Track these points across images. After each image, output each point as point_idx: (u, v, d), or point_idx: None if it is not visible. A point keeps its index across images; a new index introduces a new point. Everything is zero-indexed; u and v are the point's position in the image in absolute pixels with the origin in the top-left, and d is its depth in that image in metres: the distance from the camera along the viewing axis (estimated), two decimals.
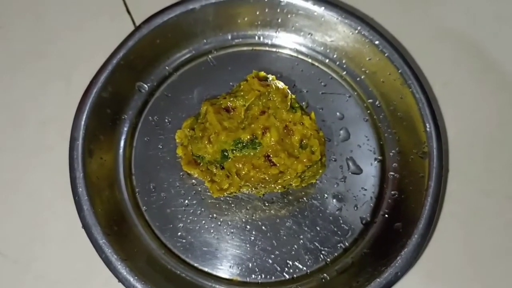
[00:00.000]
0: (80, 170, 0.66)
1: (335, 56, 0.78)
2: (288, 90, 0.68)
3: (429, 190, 0.67)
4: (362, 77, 0.77)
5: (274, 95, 0.66)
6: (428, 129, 0.69)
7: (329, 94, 0.77)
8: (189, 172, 0.70)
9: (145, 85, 0.75)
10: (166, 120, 0.75)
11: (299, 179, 0.66)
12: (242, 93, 0.67)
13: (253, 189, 0.67)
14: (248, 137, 0.64)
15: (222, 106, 0.67)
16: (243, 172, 0.64)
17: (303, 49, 0.79)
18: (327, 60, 0.78)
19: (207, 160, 0.67)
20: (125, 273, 0.62)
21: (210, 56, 0.78)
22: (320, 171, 0.69)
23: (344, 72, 0.77)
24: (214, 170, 0.67)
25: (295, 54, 0.79)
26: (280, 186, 0.67)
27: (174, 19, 0.74)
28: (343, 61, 0.77)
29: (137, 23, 0.77)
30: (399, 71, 0.72)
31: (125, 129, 0.74)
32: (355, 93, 0.77)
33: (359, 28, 0.74)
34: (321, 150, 0.65)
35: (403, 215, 0.68)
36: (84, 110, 0.68)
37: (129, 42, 0.73)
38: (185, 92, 0.76)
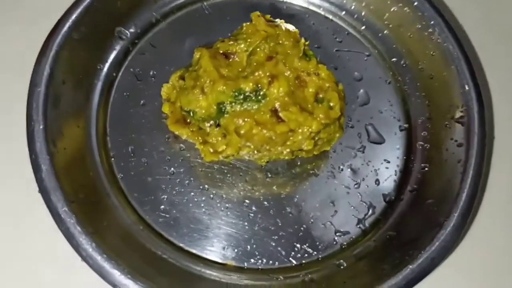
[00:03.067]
0: (40, 121, 0.53)
1: (352, 7, 0.66)
2: (301, 36, 0.55)
3: (471, 161, 0.55)
4: (385, 32, 0.65)
5: (283, 39, 0.54)
6: (466, 88, 0.57)
7: (344, 51, 0.65)
8: (176, 133, 0.58)
9: (127, 31, 0.63)
10: (151, 74, 0.62)
11: (312, 141, 0.53)
12: (244, 36, 0.55)
13: (255, 153, 0.54)
14: (251, 86, 0.52)
15: (219, 51, 0.55)
16: (244, 130, 0.52)
17: (315, 0, 0.66)
18: (343, 13, 0.66)
19: (199, 116, 0.54)
20: (90, 250, 0.49)
21: (205, 3, 0.66)
22: (337, 135, 0.57)
23: (363, 27, 0.66)
24: (208, 128, 0.55)
25: (305, 5, 0.67)
26: (288, 151, 0.54)
27: None
28: (362, 13, 0.66)
29: None
30: (431, 23, 0.60)
31: (100, 81, 0.61)
32: (376, 51, 0.65)
33: None
34: (341, 106, 0.53)
35: (436, 191, 0.57)
36: (50, 51, 0.55)
37: None
38: (175, 44, 0.64)
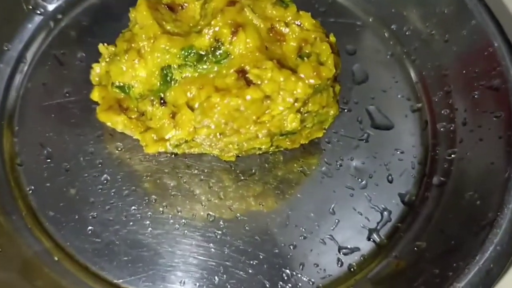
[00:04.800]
0: None
1: None
2: None
3: None
4: None
5: None
6: (496, 45, 0.43)
7: (330, 21, 0.51)
8: (108, 123, 0.41)
9: (46, 4, 0.48)
10: (78, 56, 0.47)
11: (297, 116, 0.37)
12: None
13: (219, 137, 0.38)
14: (207, 42, 0.37)
15: (163, 1, 0.39)
16: (199, 102, 0.35)
17: None
18: None
19: (137, 92, 0.38)
20: None
21: None
22: (331, 112, 0.41)
23: None
24: (150, 109, 0.38)
25: None
26: (265, 133, 0.38)
27: None
28: None
29: None
30: None
31: (8, 66, 0.45)
32: (370, 18, 0.51)
33: None
34: (335, 62, 0.37)
35: (476, 181, 0.41)
36: None
37: None
38: (111, 22, 0.49)
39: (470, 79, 0.45)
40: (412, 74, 0.49)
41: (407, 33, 0.51)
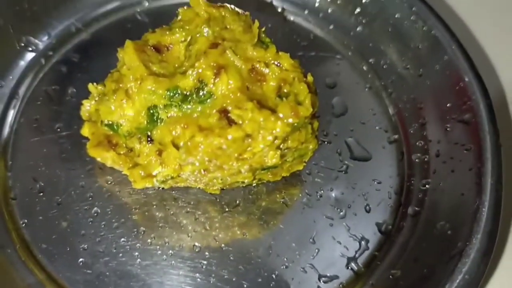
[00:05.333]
0: None
1: (317, 4, 0.55)
2: (254, 20, 0.43)
3: (486, 166, 0.42)
4: (358, 29, 0.54)
5: (231, 22, 0.42)
6: (466, 80, 0.45)
7: (311, 56, 0.53)
8: (98, 159, 0.43)
9: (38, 42, 0.50)
10: (69, 92, 0.48)
11: (278, 152, 0.39)
12: (181, 23, 0.42)
13: (203, 173, 0.40)
14: (191, 83, 0.39)
15: (149, 43, 0.41)
16: (184, 141, 0.38)
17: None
18: (305, 11, 0.55)
19: (125, 130, 0.40)
20: None
21: (138, 9, 0.53)
22: (310, 147, 0.43)
23: (331, 26, 0.54)
24: (137, 146, 0.40)
25: (261, 6, 0.55)
26: (247, 168, 0.40)
27: None
28: (329, 10, 0.55)
29: None
30: (413, 9, 0.49)
31: (1, 103, 0.47)
32: (349, 53, 0.53)
33: None
34: (312, 102, 0.39)
35: (448, 211, 0.43)
36: None
37: None
38: (100, 57, 0.51)
39: (443, 112, 0.48)
40: (389, 107, 0.51)
41: (384, 67, 0.53)
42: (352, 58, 0.54)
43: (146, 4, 0.55)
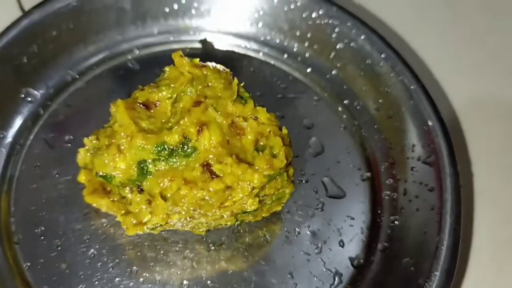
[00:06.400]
0: None
1: (295, 49, 0.59)
2: (233, 76, 0.47)
3: (446, 206, 0.46)
4: (333, 72, 0.58)
5: (213, 80, 0.46)
6: (430, 124, 0.49)
7: (290, 97, 0.57)
8: (94, 205, 0.47)
9: (36, 92, 0.54)
10: (66, 139, 0.53)
11: (256, 199, 0.44)
12: (167, 81, 0.46)
13: (189, 220, 0.44)
14: (177, 139, 0.43)
15: (138, 100, 0.46)
16: (171, 192, 0.42)
17: (253, 44, 0.59)
18: (285, 56, 0.59)
19: (117, 181, 0.44)
20: None
21: (130, 57, 0.58)
22: (287, 191, 0.48)
23: (309, 69, 0.59)
24: (129, 195, 0.45)
25: (242, 51, 0.59)
26: (229, 214, 0.44)
27: (77, 4, 0.54)
28: (306, 55, 0.59)
29: (26, 8, 0.56)
30: (382, 56, 0.54)
31: (3, 151, 0.51)
32: (326, 94, 0.57)
33: (322, 8, 0.56)
34: (286, 153, 0.44)
35: (412, 247, 0.47)
36: None
37: (12, 32, 0.52)
38: (94, 104, 0.56)
39: (409, 153, 0.52)
40: (362, 146, 0.56)
41: (357, 108, 0.57)
42: (328, 99, 0.58)
43: (137, 52, 0.59)
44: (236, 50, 0.60)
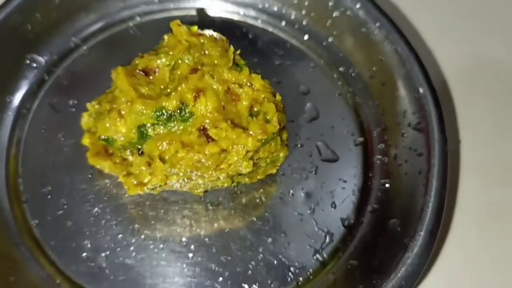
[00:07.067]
0: None
1: (292, 16, 0.60)
2: (231, 44, 0.49)
3: (433, 171, 0.48)
4: (330, 40, 0.59)
5: (210, 48, 0.48)
6: (421, 92, 0.51)
7: (288, 64, 0.59)
8: (97, 166, 0.49)
9: (41, 59, 0.56)
10: (70, 103, 0.55)
11: (250, 162, 0.46)
12: (166, 49, 0.48)
13: (187, 181, 0.47)
14: (175, 104, 0.45)
15: (138, 67, 0.48)
16: (169, 154, 0.44)
17: (251, 12, 0.60)
18: (282, 23, 0.60)
19: (119, 144, 0.47)
20: None
21: (131, 24, 0.59)
22: (281, 154, 0.50)
23: (306, 37, 0.60)
24: (130, 157, 0.47)
25: (241, 19, 0.61)
26: (225, 176, 0.47)
27: None
28: (303, 22, 0.60)
29: None
30: (377, 25, 0.55)
31: (11, 116, 0.53)
32: (322, 62, 0.59)
33: None
34: (279, 119, 0.46)
35: (400, 210, 0.50)
36: None
37: (16, 0, 0.53)
38: (97, 69, 0.57)
39: (400, 119, 0.54)
40: (356, 112, 0.57)
41: (352, 75, 0.58)
42: (324, 67, 0.59)
43: (138, 19, 0.60)
44: (235, 17, 0.61)
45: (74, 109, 0.55)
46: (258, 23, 0.61)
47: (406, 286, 0.44)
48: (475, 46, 0.62)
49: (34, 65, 0.56)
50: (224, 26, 0.60)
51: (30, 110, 0.55)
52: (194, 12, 0.61)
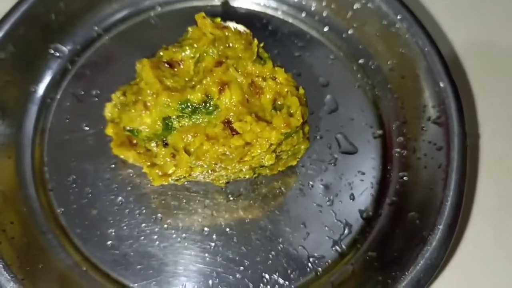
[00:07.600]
0: None
1: (313, 8, 0.60)
2: (253, 36, 0.49)
3: (452, 164, 0.48)
4: (349, 32, 0.59)
5: (234, 41, 0.48)
6: (441, 86, 0.51)
7: (307, 56, 0.59)
8: (121, 156, 0.50)
9: (64, 48, 0.56)
10: (94, 93, 0.56)
11: (273, 155, 0.47)
12: (190, 41, 0.48)
13: (210, 173, 0.47)
14: (200, 97, 0.45)
15: (163, 59, 0.48)
16: (194, 147, 0.45)
17: (272, 3, 0.61)
18: (303, 14, 0.61)
19: (143, 135, 0.48)
20: None
21: (152, 14, 0.60)
22: (302, 147, 0.50)
23: (326, 28, 0.60)
24: (155, 148, 0.48)
25: (261, 10, 0.61)
26: (247, 168, 0.47)
27: None
28: (324, 14, 0.60)
29: None
30: (398, 17, 0.55)
31: (36, 105, 0.54)
32: (341, 54, 0.59)
33: None
34: (302, 112, 0.46)
35: (418, 203, 0.50)
36: None
37: None
38: (119, 59, 0.58)
39: (420, 113, 0.54)
40: (375, 105, 0.58)
41: (372, 67, 0.59)
42: (344, 59, 0.60)
43: (159, 9, 0.61)
44: (256, 8, 0.61)
45: (97, 99, 0.56)
46: (279, 14, 0.61)
47: (424, 279, 0.45)
48: (498, 38, 0.62)
49: (58, 54, 0.57)
50: (244, 16, 0.61)
51: (54, 100, 0.56)
52: (214, 2, 0.61)
